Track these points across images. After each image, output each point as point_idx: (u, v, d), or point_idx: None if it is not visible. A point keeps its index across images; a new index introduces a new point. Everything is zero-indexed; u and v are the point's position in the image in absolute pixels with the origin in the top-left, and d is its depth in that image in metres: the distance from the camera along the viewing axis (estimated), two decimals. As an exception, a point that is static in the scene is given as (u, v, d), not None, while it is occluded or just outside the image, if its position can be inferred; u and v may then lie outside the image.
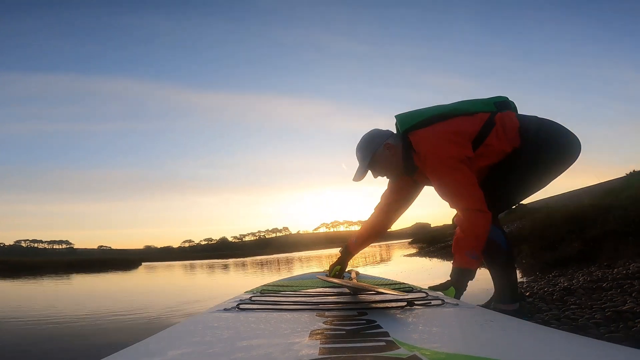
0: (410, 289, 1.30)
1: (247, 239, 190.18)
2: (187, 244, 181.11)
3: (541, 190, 1.59)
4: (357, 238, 1.93)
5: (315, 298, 1.11)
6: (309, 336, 0.62)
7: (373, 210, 1.86)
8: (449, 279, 1.40)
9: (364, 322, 0.73)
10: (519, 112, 1.65)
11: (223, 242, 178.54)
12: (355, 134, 1.77)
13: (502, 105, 1.59)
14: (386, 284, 1.58)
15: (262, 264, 13.68)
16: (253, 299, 1.05)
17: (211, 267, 14.81)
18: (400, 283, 1.56)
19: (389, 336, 0.60)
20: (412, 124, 1.55)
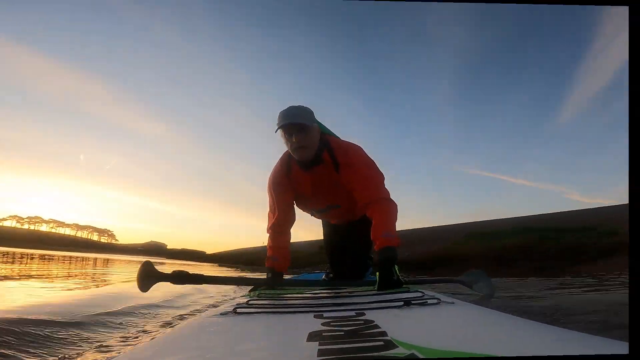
0: (406, 289, 1.31)
1: None
2: None
3: None
4: (280, 259, 1.80)
5: (313, 300, 1.11)
6: (308, 338, 0.62)
7: (274, 233, 1.80)
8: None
9: (362, 322, 0.74)
10: None
11: None
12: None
13: None
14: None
15: None
16: (250, 302, 1.04)
17: None
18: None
19: (387, 335, 0.60)
20: (326, 132, 1.83)
